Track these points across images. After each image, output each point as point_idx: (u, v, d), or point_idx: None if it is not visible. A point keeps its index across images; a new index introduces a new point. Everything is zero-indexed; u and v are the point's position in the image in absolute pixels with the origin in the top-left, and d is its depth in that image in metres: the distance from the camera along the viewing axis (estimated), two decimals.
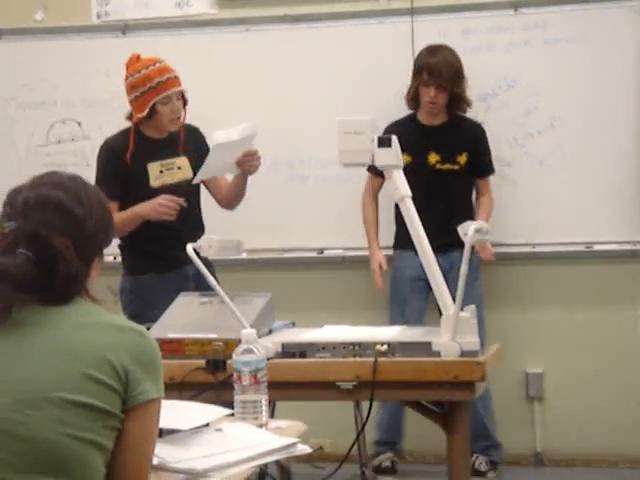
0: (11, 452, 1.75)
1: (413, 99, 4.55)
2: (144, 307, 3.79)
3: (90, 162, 4.89)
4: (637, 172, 4.60)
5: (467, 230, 3.06)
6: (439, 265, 4.38)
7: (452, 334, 3.02)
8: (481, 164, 4.58)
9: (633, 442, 4.66)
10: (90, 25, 4.99)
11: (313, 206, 4.80)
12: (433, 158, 4.45)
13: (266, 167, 4.81)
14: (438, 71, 4.42)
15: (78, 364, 1.80)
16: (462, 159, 4.51)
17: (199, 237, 3.89)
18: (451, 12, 4.73)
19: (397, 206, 4.50)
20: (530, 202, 4.69)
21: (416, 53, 4.68)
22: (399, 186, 3.20)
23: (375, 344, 3.08)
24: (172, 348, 3.12)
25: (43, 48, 4.96)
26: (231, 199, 4.17)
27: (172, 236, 3.90)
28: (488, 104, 4.72)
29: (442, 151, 4.47)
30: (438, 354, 3.04)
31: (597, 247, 4.66)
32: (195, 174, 3.95)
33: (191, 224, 3.98)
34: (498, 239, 4.45)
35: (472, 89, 4.70)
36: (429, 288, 4.46)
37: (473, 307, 3.13)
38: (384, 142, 3.19)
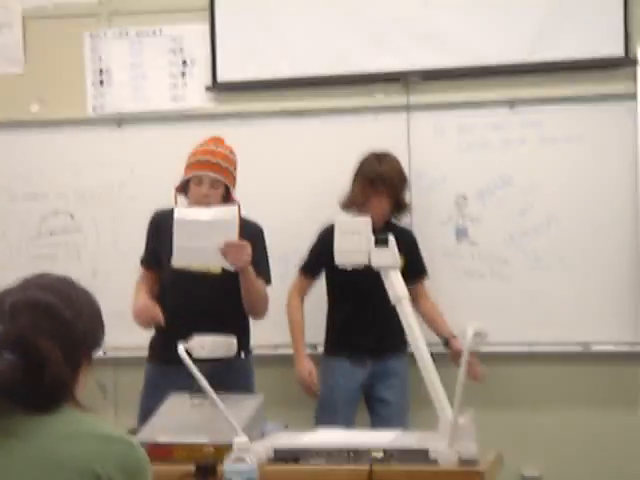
0: None
1: (352, 204, 4.44)
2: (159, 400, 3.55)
3: (82, 255, 4.87)
4: (635, 273, 4.56)
5: (465, 333, 3.00)
6: (372, 371, 4.36)
7: (450, 441, 2.94)
8: (418, 267, 4.50)
9: None
10: (86, 118, 4.99)
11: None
12: None
13: None
14: (391, 180, 4.36)
15: (63, 477, 1.73)
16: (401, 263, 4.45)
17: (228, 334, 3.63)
18: (447, 109, 4.74)
19: (329, 308, 4.46)
20: (526, 301, 4.64)
21: (412, 149, 4.70)
22: (396, 287, 3.16)
23: (371, 450, 3.00)
24: (161, 453, 3.03)
25: (38, 140, 4.95)
26: (246, 303, 3.93)
27: (192, 330, 3.42)
28: (484, 201, 4.71)
29: None
30: (436, 462, 2.95)
31: (595, 348, 4.61)
32: (226, 271, 3.78)
33: (217, 321, 3.69)
34: (493, 338, 4.36)
35: (469, 186, 4.70)
36: (360, 395, 4.43)
37: (471, 412, 3.05)
38: (381, 242, 3.16)
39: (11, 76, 5.04)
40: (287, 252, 4.78)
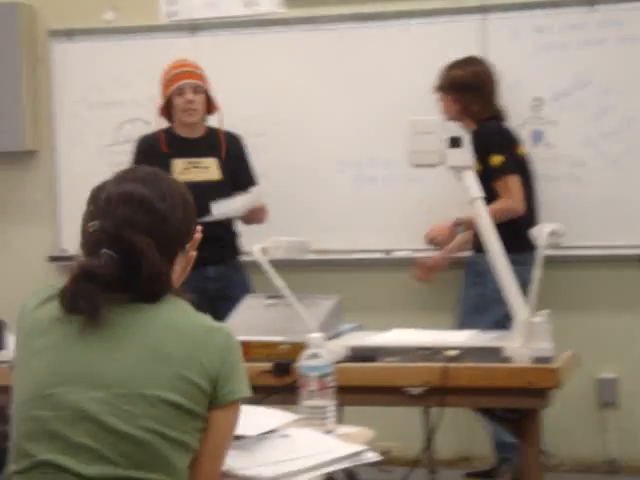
0: (105, 443, 1.76)
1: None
2: None
3: None
4: None
5: (541, 232, 2.98)
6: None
7: (524, 339, 2.94)
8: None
9: None
10: (159, 25, 4.99)
11: (381, 207, 4.73)
12: None
13: (333, 167, 4.79)
14: (442, 85, 4.43)
15: (172, 364, 1.81)
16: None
17: (226, 238, 4.24)
18: (524, 9, 4.63)
19: None
20: (603, 203, 4.58)
21: (488, 52, 4.61)
22: (470, 187, 3.13)
23: (445, 349, 3.02)
24: None
25: (112, 48, 4.97)
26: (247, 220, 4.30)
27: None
28: (562, 103, 4.62)
29: None
30: (509, 360, 2.96)
31: None
32: (224, 178, 4.18)
33: (217, 224, 3.99)
34: (570, 241, 4.33)
35: (545, 89, 4.61)
36: None
37: (546, 312, 3.04)
38: (455, 142, 3.13)
39: None
40: (361, 159, 4.79)
